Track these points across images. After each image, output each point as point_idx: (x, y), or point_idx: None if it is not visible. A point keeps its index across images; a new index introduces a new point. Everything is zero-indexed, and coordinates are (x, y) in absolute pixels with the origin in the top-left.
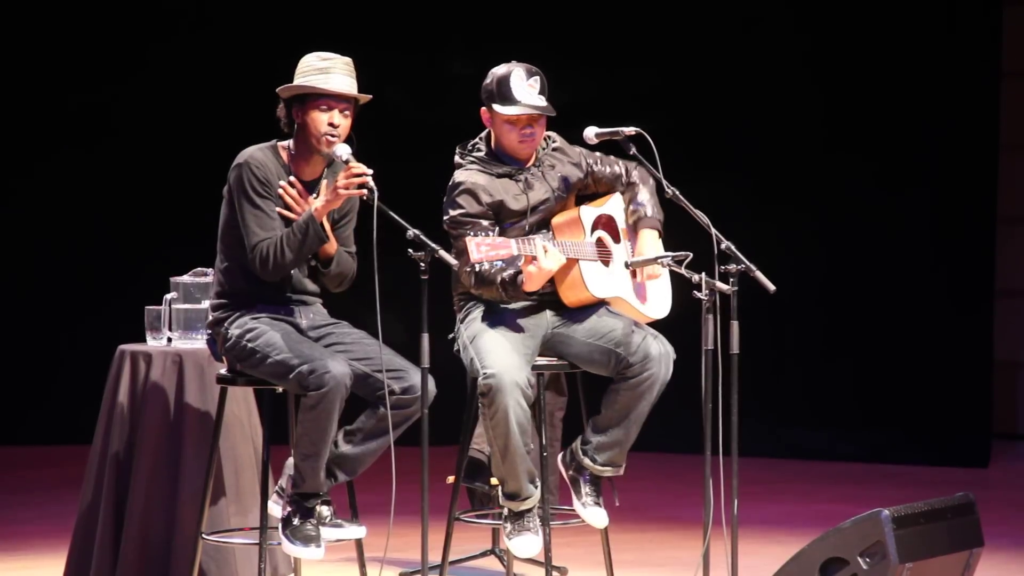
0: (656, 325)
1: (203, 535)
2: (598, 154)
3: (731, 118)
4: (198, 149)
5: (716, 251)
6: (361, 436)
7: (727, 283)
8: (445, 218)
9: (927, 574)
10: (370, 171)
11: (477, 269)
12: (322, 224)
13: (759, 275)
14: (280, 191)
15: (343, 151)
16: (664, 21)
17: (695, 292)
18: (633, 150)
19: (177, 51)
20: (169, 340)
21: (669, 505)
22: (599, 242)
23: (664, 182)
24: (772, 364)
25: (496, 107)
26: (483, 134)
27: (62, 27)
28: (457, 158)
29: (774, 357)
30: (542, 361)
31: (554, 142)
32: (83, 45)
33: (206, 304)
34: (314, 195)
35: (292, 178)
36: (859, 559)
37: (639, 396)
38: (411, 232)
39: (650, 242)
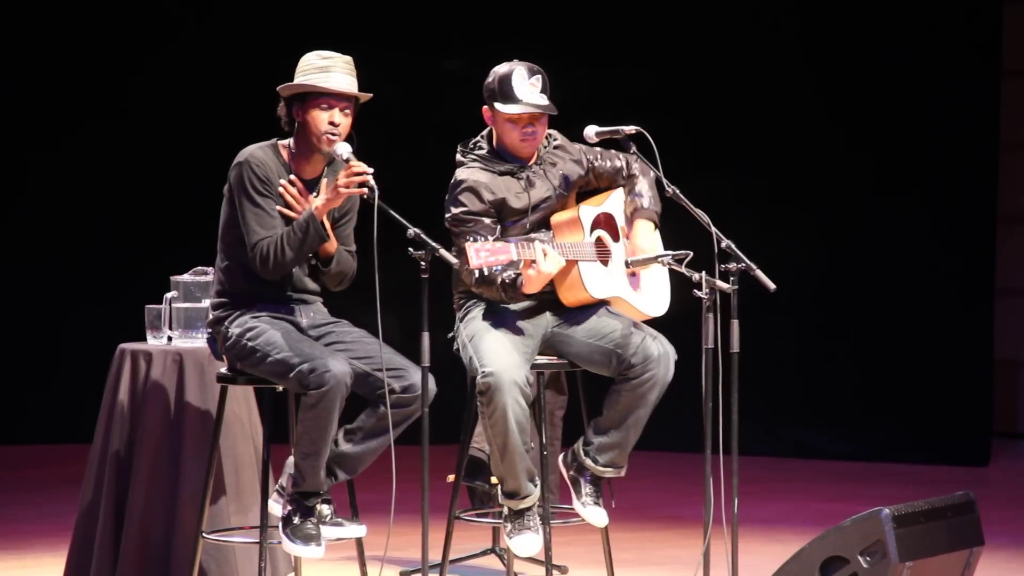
0: (656, 324)
1: (203, 534)
2: (598, 150)
3: (731, 117)
4: (198, 148)
5: (716, 250)
6: (361, 435)
7: (727, 282)
8: (447, 216)
9: (927, 573)
10: (370, 170)
11: (476, 274)
12: (322, 223)
13: (759, 274)
14: (280, 190)
15: (343, 150)
16: (665, 20)
17: (695, 291)
18: (633, 148)
19: (177, 50)
20: (169, 339)
21: (669, 504)
22: (598, 241)
23: (664, 180)
24: (772, 363)
25: (498, 106)
26: (485, 132)
27: (62, 27)
28: (459, 156)
29: (774, 356)
30: (542, 360)
31: (555, 140)
32: (83, 45)
33: (206, 303)
34: (314, 194)
35: (292, 177)
36: (859, 558)
37: (640, 397)
38: (411, 231)
39: (645, 233)
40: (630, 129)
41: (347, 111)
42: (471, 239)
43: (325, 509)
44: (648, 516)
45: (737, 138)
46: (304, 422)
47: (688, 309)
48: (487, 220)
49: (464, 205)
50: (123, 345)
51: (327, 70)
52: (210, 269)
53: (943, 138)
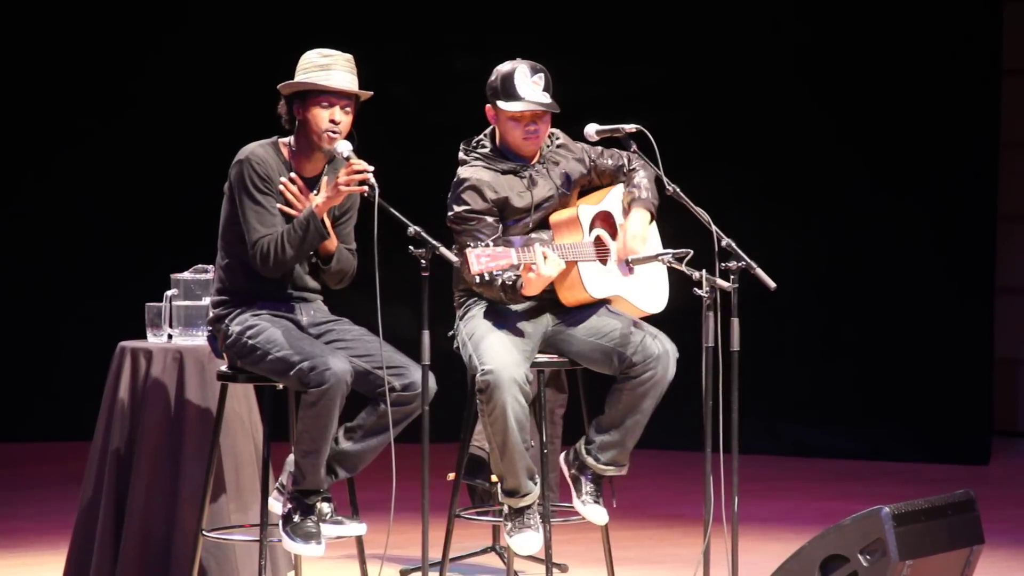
0: (657, 322)
1: (203, 532)
2: (600, 148)
3: (731, 116)
4: (199, 146)
5: (717, 248)
6: (361, 433)
7: (728, 280)
8: (449, 214)
9: (927, 571)
10: (371, 168)
11: (477, 277)
12: (323, 221)
13: (759, 272)
14: (281, 187)
15: (344, 148)
16: (667, 19)
17: (696, 289)
18: (634, 147)
19: (178, 48)
20: (170, 337)
21: (669, 502)
22: (597, 240)
23: (665, 179)
24: (772, 361)
25: (500, 104)
26: (488, 131)
27: (63, 26)
28: (461, 154)
29: (774, 354)
30: (542, 358)
31: (558, 139)
32: (83, 43)
33: (207, 301)
34: (315, 192)
35: (293, 174)
36: (859, 556)
37: (642, 395)
38: (412, 229)
39: (640, 221)
40: (630, 127)
41: (348, 109)
42: (473, 239)
43: (325, 507)
44: (648, 514)
45: (737, 137)
46: (304, 420)
47: (688, 307)
48: (489, 219)
49: (467, 204)
50: (123, 343)
51: (328, 68)
52: (210, 267)
53: (943, 137)
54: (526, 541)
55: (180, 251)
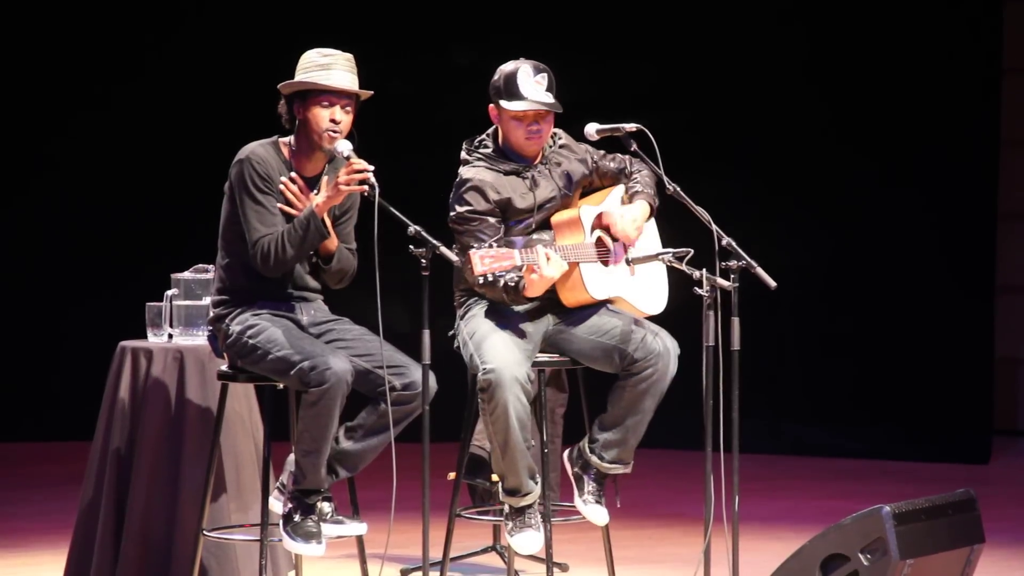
0: (658, 321)
1: (204, 532)
2: (603, 151)
3: (731, 115)
4: (199, 145)
5: (717, 247)
6: (362, 432)
7: (728, 279)
8: (451, 214)
9: (928, 570)
10: (371, 167)
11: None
12: (323, 220)
13: (760, 271)
14: (281, 187)
15: (344, 147)
16: (668, 17)
17: (696, 288)
18: (634, 146)
19: (178, 47)
20: (170, 336)
21: (670, 501)
22: (598, 241)
23: (665, 178)
24: (773, 360)
25: (503, 103)
26: (490, 130)
27: (63, 23)
28: (463, 154)
29: (775, 353)
30: (543, 357)
31: (560, 139)
32: (83, 41)
33: (207, 300)
34: (315, 191)
35: (293, 174)
36: (860, 555)
37: (644, 392)
38: (412, 228)
39: (638, 208)
40: (631, 126)
41: (348, 108)
42: (475, 240)
43: (326, 507)
44: (649, 514)
45: (737, 136)
46: (305, 420)
47: (689, 307)
48: (492, 219)
49: (469, 204)
50: (124, 343)
51: (328, 67)
52: (211, 267)
53: (943, 135)
54: (527, 540)
55: (180, 251)
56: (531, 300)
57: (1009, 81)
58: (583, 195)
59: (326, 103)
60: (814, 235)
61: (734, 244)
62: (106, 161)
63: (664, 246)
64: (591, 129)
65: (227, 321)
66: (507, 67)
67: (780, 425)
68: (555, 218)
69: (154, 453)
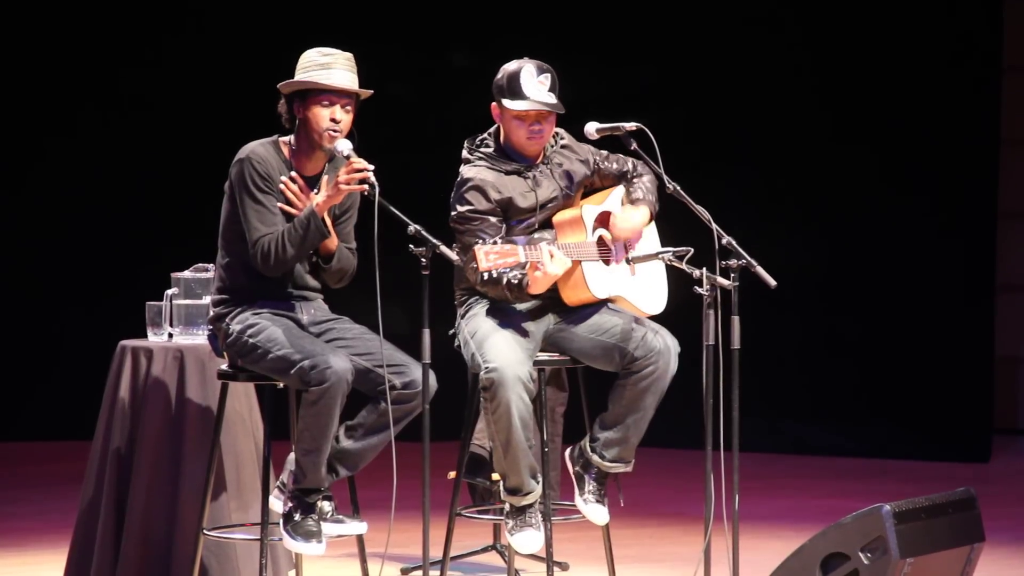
0: (658, 320)
1: (204, 531)
2: (605, 152)
3: (731, 114)
4: (199, 144)
5: (717, 246)
6: (362, 431)
7: (728, 278)
8: (453, 214)
9: (928, 569)
10: (371, 167)
11: (484, 275)
12: (323, 219)
13: (760, 270)
14: (281, 186)
15: (344, 147)
16: (668, 17)
17: (696, 287)
18: (634, 145)
19: (178, 46)
20: (170, 336)
21: (670, 501)
22: (600, 241)
23: (665, 177)
24: (773, 359)
25: (505, 102)
26: (492, 130)
27: (62, 22)
28: (465, 153)
29: (775, 352)
30: (543, 356)
31: (562, 139)
32: (83, 40)
33: (207, 300)
34: (315, 191)
35: (293, 173)
36: (860, 554)
37: (644, 390)
38: (412, 227)
39: (638, 212)
40: (631, 126)
41: (348, 108)
42: (477, 239)
43: (326, 506)
44: (649, 512)
45: (737, 135)
46: (305, 419)
47: (689, 306)
48: (493, 219)
49: (470, 204)
50: (124, 342)
51: (328, 67)
52: (211, 266)
53: (944, 134)
54: (527, 539)
55: (180, 250)
56: (533, 297)
57: (1009, 80)
58: (584, 195)
59: (326, 102)
60: (814, 234)
61: (734, 243)
62: (106, 160)
63: (664, 245)
64: (591, 128)
65: (227, 320)
66: (511, 66)
67: (780, 424)
68: (557, 217)
69: (154, 452)
